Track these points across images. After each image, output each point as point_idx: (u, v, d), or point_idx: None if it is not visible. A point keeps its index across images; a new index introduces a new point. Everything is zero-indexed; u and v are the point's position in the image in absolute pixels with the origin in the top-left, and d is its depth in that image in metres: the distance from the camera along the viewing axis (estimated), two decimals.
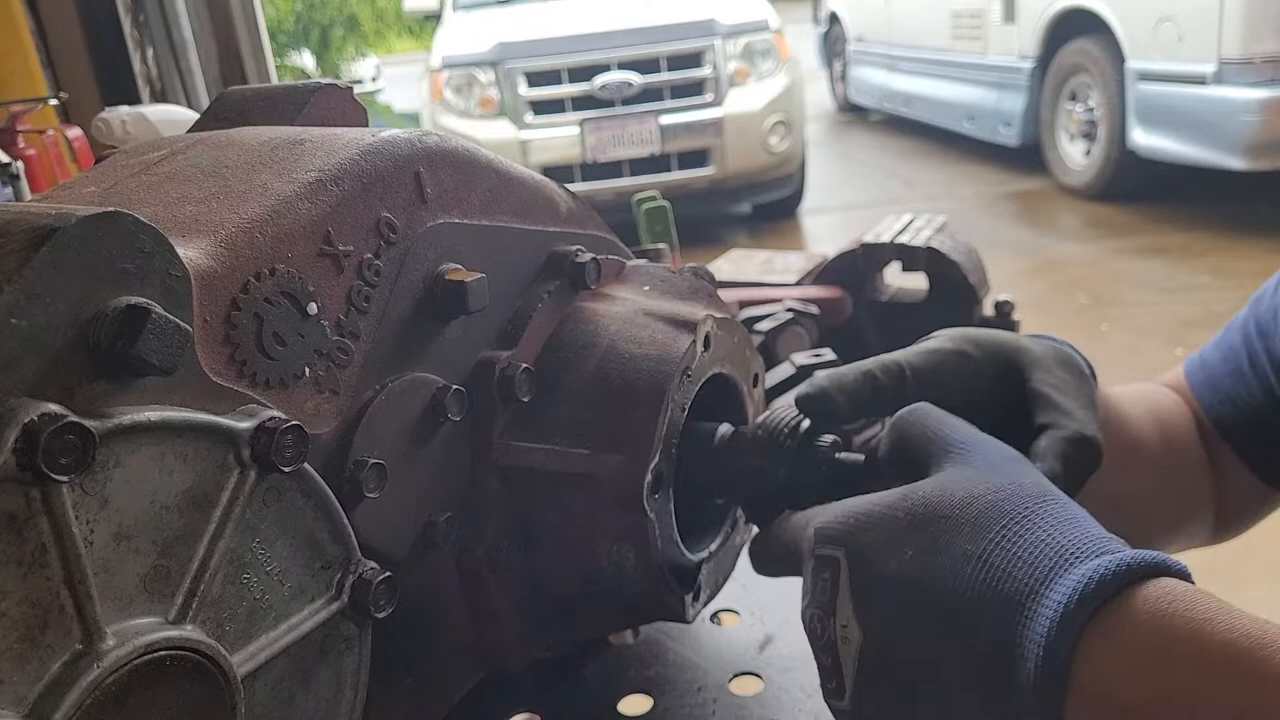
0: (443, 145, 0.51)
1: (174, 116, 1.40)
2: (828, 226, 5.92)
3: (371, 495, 0.45)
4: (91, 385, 0.33)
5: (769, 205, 5.99)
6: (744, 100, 5.44)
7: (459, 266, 0.51)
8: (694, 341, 0.56)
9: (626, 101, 5.34)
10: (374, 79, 10.70)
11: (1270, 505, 0.76)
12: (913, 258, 1.03)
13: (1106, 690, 0.36)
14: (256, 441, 0.37)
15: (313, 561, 0.41)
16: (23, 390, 0.31)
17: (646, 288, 0.62)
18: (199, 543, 0.36)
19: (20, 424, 0.29)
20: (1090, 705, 0.36)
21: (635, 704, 0.62)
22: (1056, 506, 0.42)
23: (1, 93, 1.83)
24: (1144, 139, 4.99)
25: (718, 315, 0.59)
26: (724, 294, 0.85)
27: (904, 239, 1.04)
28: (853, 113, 9.30)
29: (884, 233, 1.07)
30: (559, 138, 5.35)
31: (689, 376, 0.56)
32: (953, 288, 1.03)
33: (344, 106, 0.60)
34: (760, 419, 0.57)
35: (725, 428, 0.59)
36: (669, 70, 5.39)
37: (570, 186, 0.63)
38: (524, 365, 0.54)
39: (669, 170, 5.39)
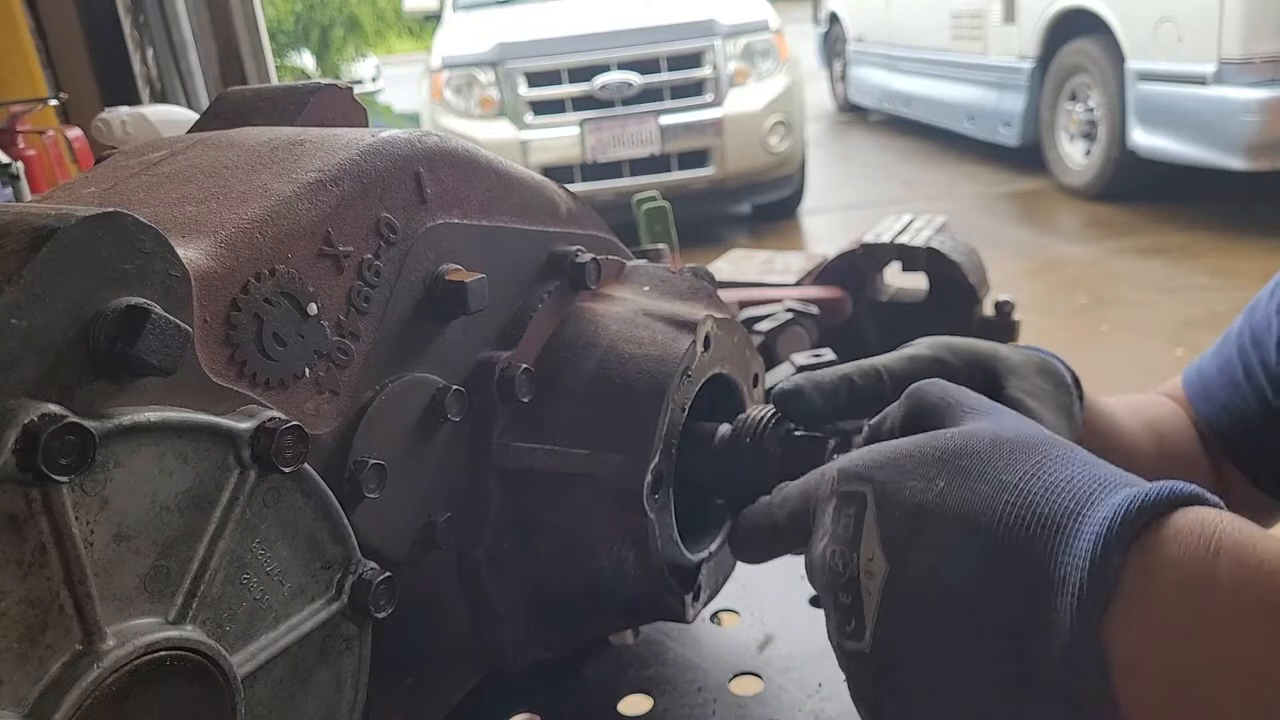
0: (443, 145, 0.51)
1: (174, 117, 1.40)
2: (828, 226, 5.92)
3: (371, 495, 0.45)
4: (91, 385, 0.33)
5: (769, 205, 5.99)
6: (744, 100, 5.44)
7: (459, 267, 0.51)
8: (694, 342, 0.56)
9: (626, 102, 5.34)
10: (374, 79, 10.71)
11: (1274, 518, 0.75)
12: (913, 258, 1.03)
13: (1148, 608, 0.35)
14: (256, 442, 0.37)
15: (313, 561, 0.41)
16: (23, 390, 0.31)
17: (646, 288, 0.62)
18: (199, 543, 0.36)
19: (20, 424, 0.29)
20: (1131, 621, 0.35)
21: (635, 704, 0.62)
22: (1086, 451, 0.41)
23: (1, 93, 1.83)
24: (1144, 139, 5.00)
25: (718, 315, 0.59)
26: (724, 294, 0.85)
27: (904, 239, 1.04)
28: (853, 113, 9.31)
29: (884, 233, 1.07)
30: (559, 138, 5.35)
31: (689, 377, 0.56)
32: (953, 288, 1.03)
33: (344, 107, 0.60)
34: (740, 416, 0.58)
35: (725, 428, 0.59)
36: (669, 70, 5.39)
37: (570, 187, 0.63)
38: (524, 365, 0.54)
39: (669, 170, 5.39)
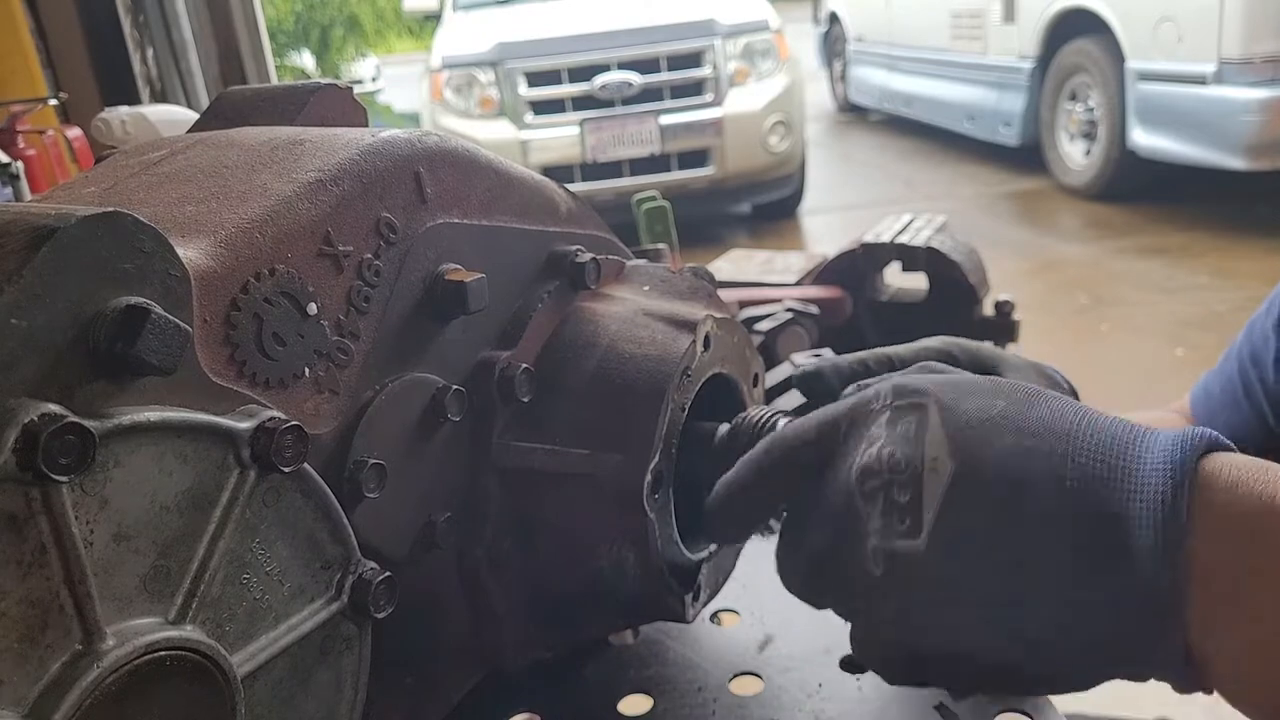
0: (443, 145, 0.51)
1: (174, 116, 1.40)
2: (828, 226, 5.92)
3: (371, 495, 0.45)
4: (91, 385, 0.33)
5: (769, 205, 5.99)
6: (744, 100, 5.44)
7: (459, 266, 0.51)
8: (694, 341, 0.56)
9: (626, 101, 5.34)
10: (374, 79, 10.71)
11: None
12: (913, 258, 1.03)
13: (1223, 520, 0.37)
14: (256, 442, 0.37)
15: (313, 561, 0.41)
16: (23, 390, 0.31)
17: (646, 288, 0.62)
18: (199, 543, 0.36)
19: (20, 424, 0.29)
20: (1207, 533, 0.37)
21: (635, 704, 0.62)
22: None
23: (1, 93, 1.83)
24: (1144, 139, 4.99)
25: (718, 315, 0.59)
26: (724, 294, 0.85)
27: (904, 239, 1.04)
28: (853, 113, 9.30)
29: (884, 233, 1.07)
30: (559, 138, 5.35)
31: (689, 376, 0.56)
32: (953, 288, 1.03)
33: (344, 106, 0.60)
34: (740, 416, 0.58)
35: (725, 428, 0.59)
36: (669, 70, 5.39)
37: (570, 186, 0.63)
38: (524, 365, 0.54)
39: (669, 170, 5.39)
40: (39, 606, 0.31)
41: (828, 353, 0.82)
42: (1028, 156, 6.18)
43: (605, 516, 0.54)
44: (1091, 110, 5.49)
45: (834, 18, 9.00)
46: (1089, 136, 5.58)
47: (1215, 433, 0.40)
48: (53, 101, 1.84)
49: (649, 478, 0.53)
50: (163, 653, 0.34)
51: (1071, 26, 5.55)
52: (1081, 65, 5.52)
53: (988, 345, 0.61)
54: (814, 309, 0.98)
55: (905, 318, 1.06)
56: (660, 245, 0.77)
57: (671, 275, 0.63)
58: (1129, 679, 0.41)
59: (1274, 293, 0.73)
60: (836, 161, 7.68)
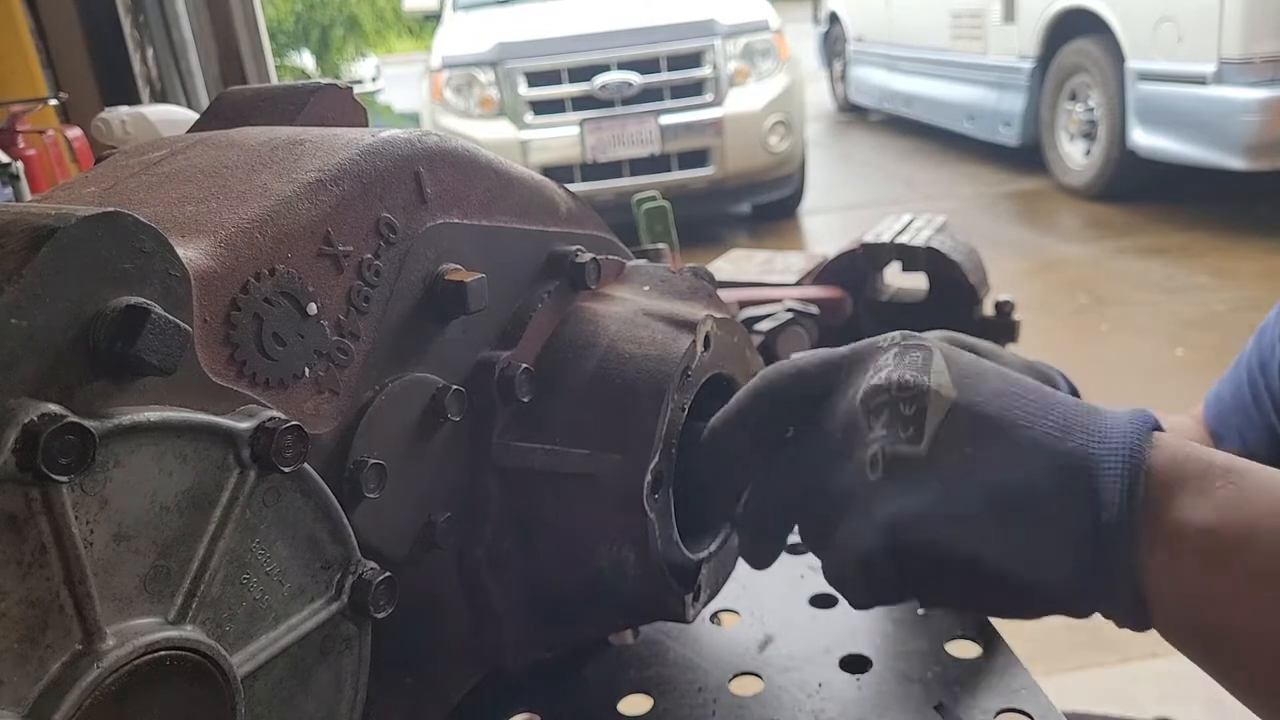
0: (443, 145, 0.51)
1: (174, 116, 1.40)
2: (828, 226, 5.92)
3: (371, 495, 0.45)
4: (91, 385, 0.33)
5: (769, 205, 5.99)
6: (744, 100, 5.44)
7: (459, 266, 0.51)
8: (694, 341, 0.56)
9: (626, 101, 5.34)
10: (374, 79, 10.71)
11: None
12: (913, 258, 1.03)
13: (1185, 495, 0.42)
14: (256, 442, 0.37)
15: (312, 561, 0.41)
16: (23, 390, 0.31)
17: (646, 288, 0.62)
18: (199, 543, 0.36)
19: (20, 424, 0.29)
20: (1169, 507, 0.41)
21: (635, 704, 0.62)
22: None
23: (1, 93, 1.83)
24: (1144, 139, 4.99)
25: (718, 315, 0.59)
26: (724, 294, 0.85)
27: (904, 239, 1.04)
28: (853, 113, 9.30)
29: (884, 233, 1.07)
30: (559, 138, 5.35)
31: (689, 376, 0.56)
32: (953, 288, 1.03)
33: (344, 106, 0.60)
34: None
35: None
36: (669, 70, 5.39)
37: (570, 186, 0.63)
38: (524, 365, 0.54)
39: (669, 170, 5.39)
40: (39, 607, 0.31)
41: None
42: (1028, 156, 6.18)
43: (605, 516, 0.54)
44: (1091, 110, 5.49)
45: (834, 18, 9.00)
46: (1089, 136, 5.58)
47: (1155, 416, 0.45)
48: (53, 101, 1.84)
49: (649, 478, 0.53)
50: (163, 653, 0.34)
51: (1071, 26, 5.56)
52: (1081, 65, 5.52)
53: (985, 342, 0.63)
54: (814, 309, 0.98)
55: (905, 318, 1.06)
56: (660, 245, 0.77)
57: (671, 275, 0.63)
58: (1075, 611, 0.45)
59: None
60: (836, 161, 7.68)
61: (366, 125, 0.59)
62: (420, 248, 0.49)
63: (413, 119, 8.20)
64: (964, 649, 0.64)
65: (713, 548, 0.61)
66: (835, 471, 0.48)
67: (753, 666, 0.64)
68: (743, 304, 1.00)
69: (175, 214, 0.43)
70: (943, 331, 0.61)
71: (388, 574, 0.44)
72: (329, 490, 0.41)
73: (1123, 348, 3.77)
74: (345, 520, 0.42)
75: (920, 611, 0.67)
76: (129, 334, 0.33)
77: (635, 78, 5.32)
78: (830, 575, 0.50)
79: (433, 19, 6.97)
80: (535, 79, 5.39)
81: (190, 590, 0.35)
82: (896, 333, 0.51)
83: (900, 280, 1.10)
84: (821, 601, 0.70)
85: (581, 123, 5.31)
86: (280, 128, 0.54)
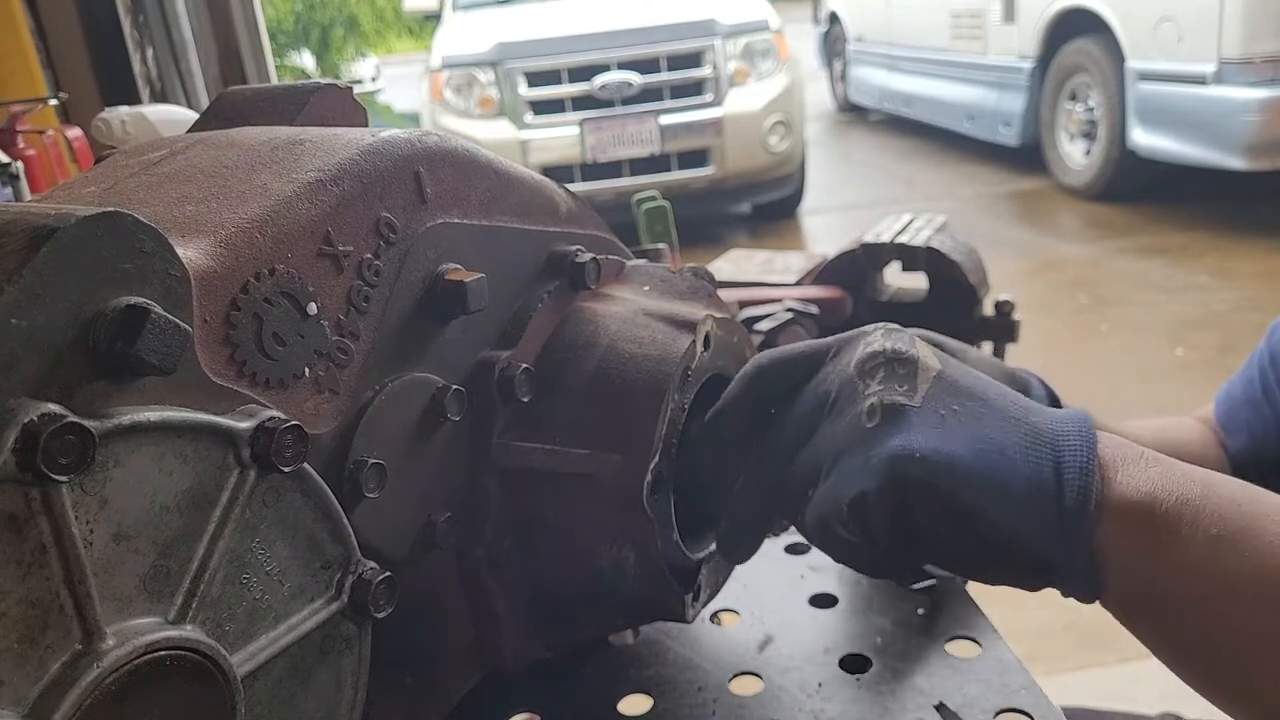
0: (443, 145, 0.51)
1: (174, 116, 1.40)
2: (828, 226, 5.92)
3: (371, 495, 0.45)
4: (91, 385, 0.33)
5: (769, 205, 5.98)
6: (744, 100, 5.44)
7: (459, 266, 0.51)
8: (694, 341, 0.56)
9: (626, 101, 5.34)
10: (374, 79, 10.70)
11: None
12: (913, 258, 1.03)
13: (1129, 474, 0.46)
14: (256, 441, 0.37)
15: (312, 561, 0.41)
16: (23, 390, 0.31)
17: (646, 288, 0.62)
18: (199, 543, 0.36)
19: (20, 424, 0.29)
20: (1118, 485, 0.46)
21: (635, 704, 0.62)
22: None
23: (1, 93, 1.82)
24: (1144, 139, 4.99)
25: (718, 315, 0.59)
26: (724, 294, 0.85)
27: (904, 239, 1.04)
28: (853, 113, 9.30)
29: (884, 233, 1.07)
30: (559, 138, 5.34)
31: (689, 376, 0.56)
32: (953, 288, 1.03)
33: (344, 106, 0.60)
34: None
35: None
36: (669, 70, 5.39)
37: (570, 186, 0.63)
38: (524, 365, 0.54)
39: (669, 170, 5.39)
40: (39, 606, 0.31)
41: None
42: (1028, 156, 6.18)
43: (605, 516, 0.54)
44: (1091, 110, 5.49)
45: (834, 18, 9.00)
46: (1089, 136, 5.58)
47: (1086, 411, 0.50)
48: (53, 101, 1.84)
49: (649, 478, 0.53)
50: (163, 653, 0.34)
51: (1071, 26, 5.55)
52: (1081, 65, 5.52)
53: (954, 341, 0.68)
54: (814, 309, 0.98)
55: (905, 317, 1.06)
56: (660, 245, 0.77)
57: (671, 275, 0.63)
58: (1044, 570, 0.47)
59: None
60: (836, 161, 7.68)
61: (366, 125, 0.59)
62: (420, 247, 0.49)
63: (413, 119, 8.20)
64: (964, 649, 0.64)
65: (713, 547, 0.61)
66: (829, 427, 0.50)
67: (753, 666, 0.64)
68: (743, 304, 1.00)
69: (175, 214, 0.43)
70: (918, 330, 0.62)
71: (388, 574, 0.44)
72: (329, 490, 0.41)
73: (1123, 348, 3.77)
74: (345, 520, 0.42)
75: (920, 611, 0.67)
76: (129, 334, 0.33)
77: (635, 78, 5.32)
78: (815, 522, 0.50)
79: (433, 19, 6.97)
80: (535, 79, 5.39)
81: (190, 590, 0.35)
82: (880, 324, 0.54)
83: (900, 280, 1.10)
84: (821, 601, 0.70)
85: (581, 123, 5.31)
86: (280, 128, 0.54)
